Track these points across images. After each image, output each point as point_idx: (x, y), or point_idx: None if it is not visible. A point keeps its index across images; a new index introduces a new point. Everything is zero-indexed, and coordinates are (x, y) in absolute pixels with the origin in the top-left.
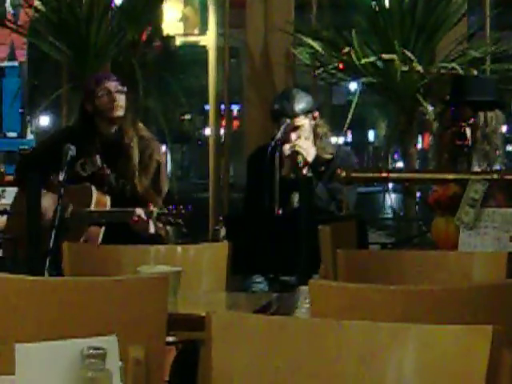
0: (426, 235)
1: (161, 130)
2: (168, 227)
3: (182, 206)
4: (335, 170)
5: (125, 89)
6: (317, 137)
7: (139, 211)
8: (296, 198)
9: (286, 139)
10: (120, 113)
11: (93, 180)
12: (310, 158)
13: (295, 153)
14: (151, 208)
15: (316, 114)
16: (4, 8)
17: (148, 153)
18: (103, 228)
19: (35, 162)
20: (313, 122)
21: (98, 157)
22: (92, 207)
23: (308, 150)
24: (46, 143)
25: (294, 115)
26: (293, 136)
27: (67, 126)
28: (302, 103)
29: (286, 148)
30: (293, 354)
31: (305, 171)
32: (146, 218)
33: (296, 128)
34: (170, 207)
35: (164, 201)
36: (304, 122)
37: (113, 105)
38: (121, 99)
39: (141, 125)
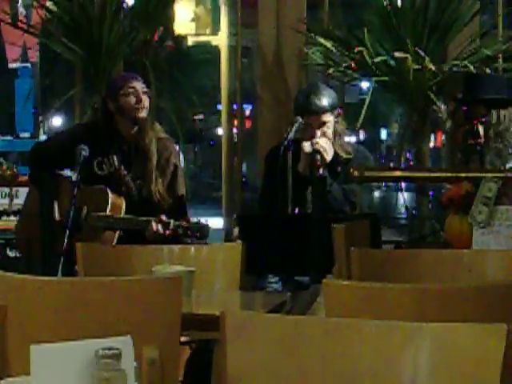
0: (440, 234)
1: (173, 129)
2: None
3: (199, 219)
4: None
5: (149, 90)
6: (335, 134)
7: (155, 224)
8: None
9: (305, 135)
10: (144, 114)
11: (109, 180)
12: (329, 158)
13: (315, 151)
14: (167, 219)
15: (340, 110)
16: (16, 9)
17: (165, 156)
18: (118, 232)
19: (50, 157)
20: (335, 119)
21: (115, 157)
22: (108, 211)
23: (327, 149)
24: (62, 138)
25: (323, 111)
26: (318, 133)
27: (83, 124)
28: (329, 99)
29: (306, 145)
30: (307, 354)
31: (321, 170)
32: (162, 231)
33: (322, 124)
34: (188, 219)
35: (181, 209)
36: (330, 118)
37: (139, 105)
38: (146, 100)
39: (158, 126)
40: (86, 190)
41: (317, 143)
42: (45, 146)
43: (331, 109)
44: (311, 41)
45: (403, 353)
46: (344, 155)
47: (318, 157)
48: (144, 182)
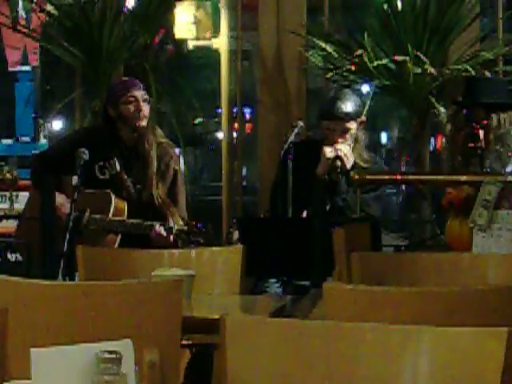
0: (440, 237)
1: (174, 133)
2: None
3: (201, 224)
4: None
5: (149, 98)
6: (355, 141)
7: (159, 227)
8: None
9: (327, 140)
10: (144, 122)
11: (111, 184)
12: (349, 166)
13: (336, 157)
14: (170, 224)
15: (364, 118)
16: (16, 12)
17: (165, 161)
18: (120, 236)
19: (52, 163)
20: (358, 126)
21: (116, 160)
22: (111, 214)
23: (349, 156)
24: (63, 145)
25: (348, 118)
26: (340, 139)
27: (85, 128)
28: (355, 106)
29: (328, 150)
30: (307, 357)
31: (339, 176)
32: (165, 235)
33: (345, 131)
34: (190, 223)
35: (181, 214)
36: (354, 125)
37: (139, 114)
38: (146, 109)
39: (159, 131)
40: (89, 194)
41: (340, 150)
42: (48, 155)
43: (356, 116)
44: (311, 44)
45: (404, 356)
46: (361, 163)
47: (339, 163)
48: (144, 186)
